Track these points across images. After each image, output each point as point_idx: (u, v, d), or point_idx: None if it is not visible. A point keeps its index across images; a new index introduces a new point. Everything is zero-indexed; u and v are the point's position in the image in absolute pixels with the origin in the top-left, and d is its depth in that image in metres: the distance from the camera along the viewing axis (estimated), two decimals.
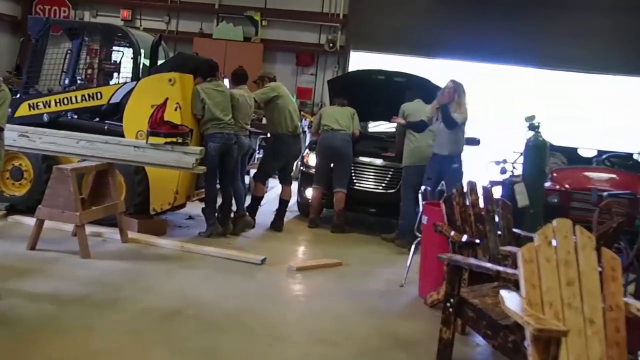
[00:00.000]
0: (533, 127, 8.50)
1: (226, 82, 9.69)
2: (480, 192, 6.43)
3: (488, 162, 9.37)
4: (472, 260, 5.40)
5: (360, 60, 16.14)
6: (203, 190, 8.94)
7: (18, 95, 9.34)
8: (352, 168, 10.12)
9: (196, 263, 7.56)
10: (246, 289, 6.83)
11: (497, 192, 8.97)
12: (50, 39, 9.75)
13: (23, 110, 9.21)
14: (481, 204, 6.37)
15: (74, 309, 5.68)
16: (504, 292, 4.18)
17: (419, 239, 7.44)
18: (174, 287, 6.58)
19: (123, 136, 8.48)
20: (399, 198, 9.51)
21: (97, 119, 9.32)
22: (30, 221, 7.74)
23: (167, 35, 15.52)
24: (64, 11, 16.87)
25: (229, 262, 7.70)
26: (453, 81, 8.68)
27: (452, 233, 6.14)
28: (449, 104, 8.58)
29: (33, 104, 9.23)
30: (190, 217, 9.80)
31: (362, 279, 7.66)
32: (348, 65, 16.37)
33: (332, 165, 10.03)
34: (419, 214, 7.46)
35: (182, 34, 16.80)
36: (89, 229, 7.65)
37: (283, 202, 9.83)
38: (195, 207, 9.57)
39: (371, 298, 6.93)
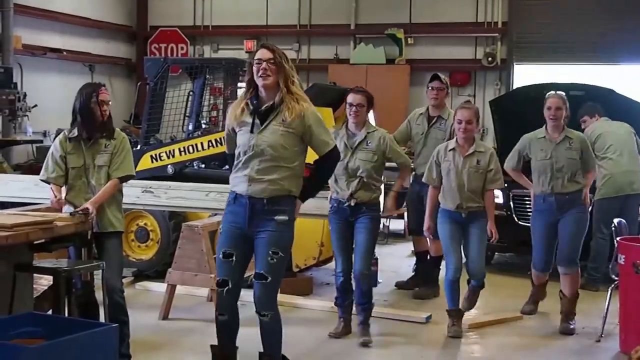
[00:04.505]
0: None
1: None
2: None
3: None
4: None
5: (526, 75, 15.88)
6: None
7: (138, 147, 9.74)
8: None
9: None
10: (412, 353, 6.86)
11: None
12: (169, 81, 10.15)
13: (145, 163, 9.60)
14: None
15: None
16: None
17: (615, 282, 7.24)
18: (328, 355, 6.68)
19: None
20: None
21: (227, 167, 9.59)
22: (160, 287, 8.11)
23: (299, 65, 15.82)
24: (182, 48, 17.54)
25: (388, 323, 7.71)
26: None
27: None
28: None
29: (155, 155, 9.61)
30: None
31: (549, 335, 7.53)
32: (512, 82, 16.10)
33: None
34: (614, 253, 7.27)
35: (315, 61, 17.13)
36: None
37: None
38: None
39: (562, 358, 6.79)
